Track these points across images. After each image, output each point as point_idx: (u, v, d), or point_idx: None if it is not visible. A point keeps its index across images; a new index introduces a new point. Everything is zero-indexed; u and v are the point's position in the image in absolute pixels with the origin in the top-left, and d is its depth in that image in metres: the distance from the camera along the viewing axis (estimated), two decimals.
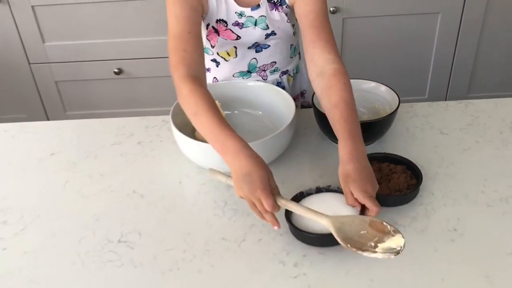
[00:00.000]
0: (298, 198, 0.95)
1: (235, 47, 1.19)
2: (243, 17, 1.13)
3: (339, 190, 0.95)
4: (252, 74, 1.24)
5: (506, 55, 2.27)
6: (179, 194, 1.04)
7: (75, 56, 2.26)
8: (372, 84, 1.18)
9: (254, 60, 1.22)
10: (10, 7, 2.12)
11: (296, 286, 0.83)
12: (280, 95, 1.16)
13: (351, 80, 1.16)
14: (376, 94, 1.18)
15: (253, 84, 1.21)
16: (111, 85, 2.37)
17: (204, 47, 1.21)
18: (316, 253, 0.88)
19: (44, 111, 2.44)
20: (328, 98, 0.98)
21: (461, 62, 2.30)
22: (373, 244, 0.81)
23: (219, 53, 1.22)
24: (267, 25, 1.14)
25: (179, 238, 0.93)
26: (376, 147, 1.13)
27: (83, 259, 0.90)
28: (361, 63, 2.26)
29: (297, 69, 1.32)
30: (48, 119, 2.46)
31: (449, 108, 1.26)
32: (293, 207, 0.89)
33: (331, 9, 2.08)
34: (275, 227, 0.87)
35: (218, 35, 1.16)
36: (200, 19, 1.08)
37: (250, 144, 0.97)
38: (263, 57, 1.22)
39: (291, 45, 1.25)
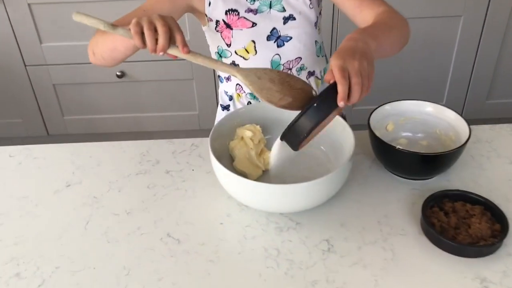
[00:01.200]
0: None
1: (253, 42, 1.07)
2: (256, 2, 1.04)
3: None
4: None
5: None
6: (222, 239, 0.89)
7: (74, 58, 2.10)
8: (435, 106, 1.04)
9: (277, 56, 1.10)
10: (4, 5, 1.95)
11: None
12: (335, 120, 1.01)
13: (406, 101, 1.04)
14: (438, 118, 1.04)
15: None
16: (112, 88, 2.22)
17: (220, 50, 1.11)
18: None
19: (40, 115, 2.28)
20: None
21: (482, 68, 2.21)
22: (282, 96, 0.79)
23: (237, 51, 1.09)
24: (283, 7, 1.05)
25: None
26: (442, 180, 0.99)
27: None
28: (379, 66, 2.13)
29: (325, 73, 1.18)
30: (45, 124, 2.30)
31: None
32: (198, 58, 0.79)
33: None
34: (185, 49, 0.79)
35: (231, 29, 1.05)
36: (170, 9, 1.00)
37: (301, 184, 0.83)
38: (286, 52, 1.10)
39: (316, 41, 1.13)
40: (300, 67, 1.13)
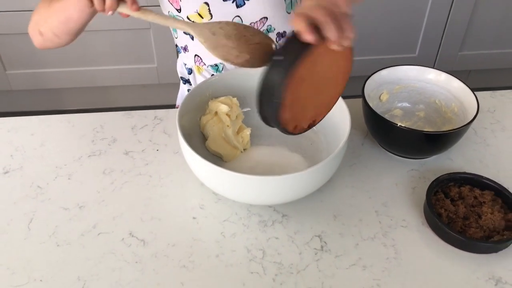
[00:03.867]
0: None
1: (207, 4, 0.90)
2: None
3: None
4: None
5: (505, 11, 2.08)
6: (196, 239, 0.75)
7: (16, 5, 1.84)
8: (436, 73, 0.91)
9: (237, 18, 0.92)
10: None
11: None
12: None
13: (402, 67, 0.90)
14: (439, 86, 0.91)
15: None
16: None
17: (172, 15, 0.93)
18: None
19: None
20: None
21: (456, 18, 2.11)
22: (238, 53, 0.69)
23: (189, 17, 0.91)
24: None
25: None
26: (443, 159, 0.87)
27: None
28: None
29: None
30: None
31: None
32: (148, 15, 0.71)
33: None
34: (134, 6, 0.70)
35: None
36: None
37: (296, 174, 0.70)
38: (248, 12, 0.92)
39: None
40: (267, 29, 0.96)
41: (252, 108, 0.90)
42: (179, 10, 0.91)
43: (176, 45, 1.02)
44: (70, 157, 0.87)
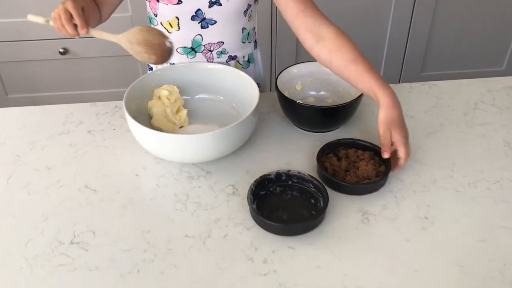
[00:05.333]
0: (259, 183, 0.91)
1: (177, 18, 1.10)
2: None
3: (299, 175, 0.93)
4: (197, 53, 1.16)
5: (460, 32, 2.29)
6: (136, 188, 0.96)
7: (15, 35, 2.10)
8: None
9: (199, 36, 1.13)
10: None
11: (266, 284, 0.78)
12: (243, 79, 1.09)
13: (314, 63, 1.12)
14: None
15: (213, 67, 1.13)
16: (56, 66, 2.23)
17: (149, 16, 1.17)
18: (286, 247, 0.84)
19: None
20: (342, 56, 0.98)
21: (416, 39, 2.30)
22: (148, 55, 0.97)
23: (162, 23, 1.13)
24: None
25: (138, 237, 0.86)
26: (341, 133, 1.09)
27: (31, 264, 0.82)
28: None
29: (250, 59, 1.24)
30: None
31: (413, 90, 1.23)
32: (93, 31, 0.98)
33: None
34: (83, 30, 0.96)
35: (158, 1, 1.09)
36: None
37: (213, 132, 0.91)
38: (209, 35, 1.13)
39: (244, 28, 1.16)
40: (221, 51, 1.17)
41: (191, 96, 1.13)
42: (155, 15, 1.13)
43: None
44: (44, 135, 1.09)
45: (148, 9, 1.15)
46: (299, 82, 1.15)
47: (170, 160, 0.99)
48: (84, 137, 1.08)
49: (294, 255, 0.83)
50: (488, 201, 0.92)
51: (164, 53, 0.97)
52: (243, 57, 1.21)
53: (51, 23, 0.99)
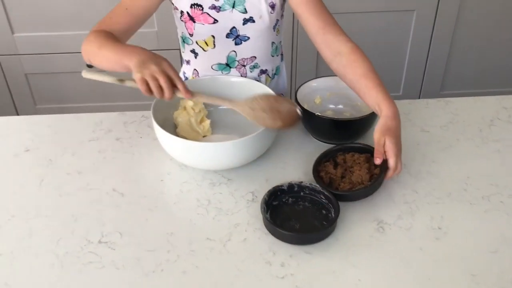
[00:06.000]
0: (272, 194, 0.95)
1: (213, 36, 1.16)
2: (220, 0, 1.12)
3: (311, 186, 0.96)
4: (231, 69, 1.22)
5: (480, 52, 2.31)
6: (161, 192, 1.01)
7: (46, 48, 2.19)
8: None
9: (233, 53, 1.19)
10: None
11: (283, 286, 0.82)
12: (263, 91, 1.13)
13: (332, 77, 1.16)
14: None
15: (236, 80, 1.18)
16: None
17: (183, 36, 1.21)
18: (303, 252, 0.87)
19: (13, 105, 2.36)
20: (354, 70, 1.03)
21: (435, 58, 2.31)
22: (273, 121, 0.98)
23: (197, 42, 1.19)
24: (245, 9, 1.13)
25: (162, 239, 0.90)
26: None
27: (62, 261, 0.87)
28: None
29: (277, 71, 1.30)
30: (17, 114, 2.38)
31: (429, 106, 1.26)
32: (199, 97, 1.00)
33: None
34: (188, 95, 0.97)
35: (194, 22, 1.14)
36: (148, 3, 1.11)
37: (235, 141, 0.96)
38: (243, 51, 1.20)
39: (273, 42, 1.22)
40: (254, 65, 1.23)
41: (215, 108, 1.18)
42: (191, 35, 1.18)
43: (181, 57, 1.31)
44: (75, 141, 1.15)
45: (182, 29, 1.19)
46: (318, 95, 1.19)
47: (194, 167, 1.04)
48: (112, 144, 1.14)
49: (311, 260, 0.86)
50: (501, 214, 0.95)
51: (293, 120, 1.01)
52: (272, 70, 1.27)
53: (129, 83, 0.99)
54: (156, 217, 0.95)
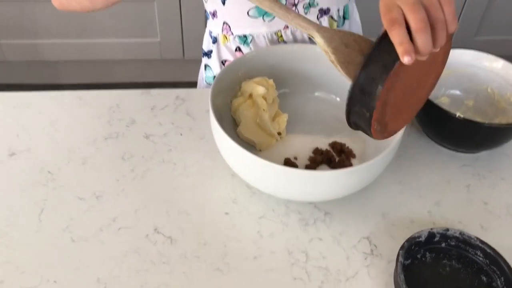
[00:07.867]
0: (407, 251, 0.63)
1: None
2: None
3: (462, 238, 0.64)
4: None
5: None
6: (230, 237, 0.66)
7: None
8: (491, 59, 0.82)
9: None
10: None
11: None
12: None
13: (467, 51, 0.82)
14: (493, 73, 0.83)
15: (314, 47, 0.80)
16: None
17: None
18: None
19: None
20: None
21: (473, 1, 2.02)
22: None
23: None
24: None
25: None
26: (499, 155, 0.79)
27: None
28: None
29: (346, 13, 0.92)
30: None
31: None
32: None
33: None
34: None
35: None
36: None
37: (351, 169, 0.62)
38: None
39: None
40: (310, 3, 0.86)
41: (288, 89, 0.81)
42: None
43: (205, 11, 0.92)
44: (84, 139, 0.77)
45: None
46: None
47: (274, 195, 0.69)
48: (141, 146, 0.77)
49: None
50: None
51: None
52: (338, 10, 0.90)
53: None
54: (231, 285, 0.61)
